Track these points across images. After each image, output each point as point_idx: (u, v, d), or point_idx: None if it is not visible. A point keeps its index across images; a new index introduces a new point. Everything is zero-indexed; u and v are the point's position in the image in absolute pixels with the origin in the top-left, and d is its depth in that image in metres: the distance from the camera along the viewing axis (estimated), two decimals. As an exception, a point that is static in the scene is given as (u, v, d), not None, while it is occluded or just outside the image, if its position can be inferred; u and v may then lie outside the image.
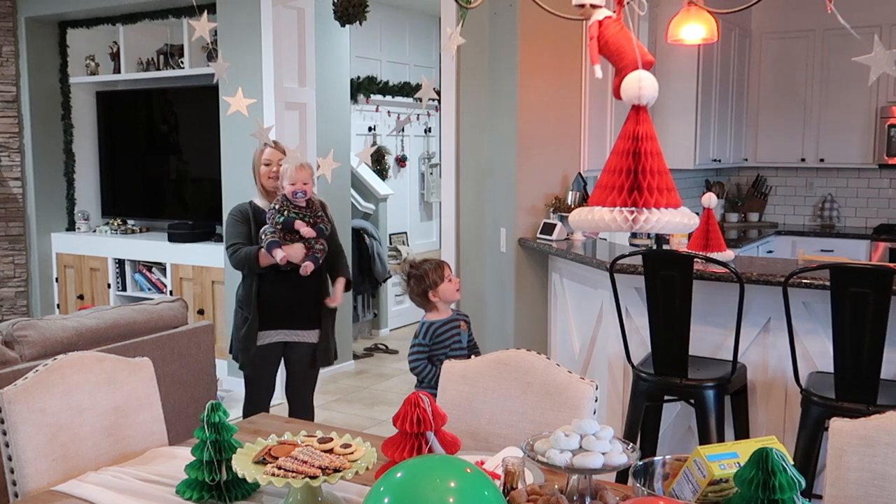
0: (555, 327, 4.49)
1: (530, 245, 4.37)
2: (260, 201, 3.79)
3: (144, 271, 6.42)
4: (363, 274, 6.99)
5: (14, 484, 2.16)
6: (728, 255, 3.48)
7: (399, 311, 7.78)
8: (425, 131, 8.64)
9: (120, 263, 6.45)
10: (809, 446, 2.89)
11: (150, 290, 6.37)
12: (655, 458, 1.78)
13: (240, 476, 1.87)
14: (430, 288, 3.39)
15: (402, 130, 8.29)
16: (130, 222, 6.76)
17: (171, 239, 6.10)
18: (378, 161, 7.89)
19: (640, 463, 1.75)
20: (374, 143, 7.92)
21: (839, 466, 1.91)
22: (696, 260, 3.16)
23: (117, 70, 6.67)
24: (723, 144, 6.35)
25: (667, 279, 3.11)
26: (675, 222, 1.63)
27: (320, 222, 3.66)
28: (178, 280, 6.02)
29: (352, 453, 1.91)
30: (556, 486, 1.77)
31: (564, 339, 4.36)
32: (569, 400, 2.30)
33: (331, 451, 1.92)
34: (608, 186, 1.64)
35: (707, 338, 3.48)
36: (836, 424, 1.95)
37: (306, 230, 3.59)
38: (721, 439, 3.13)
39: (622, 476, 2.81)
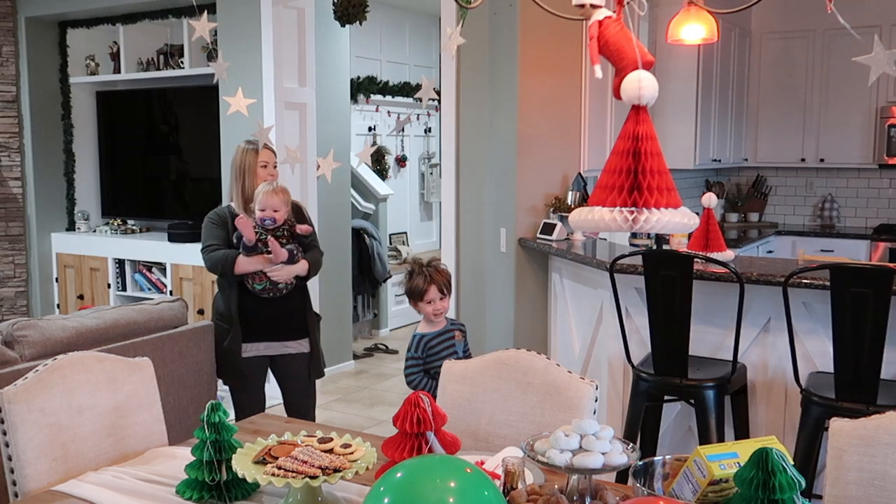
0: (555, 327, 4.49)
1: (530, 245, 4.37)
2: (238, 208, 3.60)
3: (144, 271, 6.42)
4: (363, 274, 6.99)
5: (14, 484, 2.16)
6: (728, 255, 3.48)
7: (399, 311, 7.78)
8: (425, 131, 8.65)
9: (120, 263, 6.45)
10: (809, 446, 2.89)
11: (150, 290, 6.37)
12: (655, 458, 1.78)
13: (240, 476, 1.87)
14: (409, 297, 3.32)
15: (402, 130, 8.30)
16: (130, 222, 6.76)
17: (171, 239, 6.09)
18: (378, 161, 7.89)
19: (640, 463, 1.75)
20: (374, 143, 7.92)
21: (839, 466, 1.91)
22: (696, 260, 3.16)
23: (117, 70, 6.67)
24: (723, 144, 6.35)
25: (667, 279, 3.11)
26: (675, 222, 1.63)
27: (290, 243, 3.51)
28: (178, 280, 6.02)
29: (352, 453, 1.91)
30: (556, 486, 1.77)
31: (564, 339, 4.36)
32: (569, 400, 2.30)
33: (331, 451, 1.92)
34: (608, 186, 1.64)
35: (707, 338, 3.48)
36: (836, 424, 1.95)
37: (277, 250, 3.42)
38: (721, 439, 3.13)
39: (622, 476, 2.81)
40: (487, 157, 4.64)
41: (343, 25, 5.23)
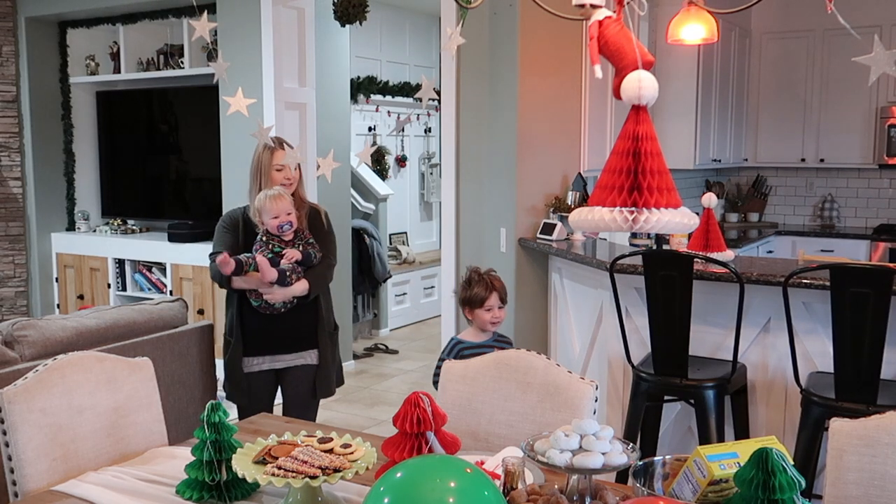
0: (555, 327, 4.49)
1: (530, 245, 4.37)
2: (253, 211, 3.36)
3: (144, 271, 6.42)
4: (363, 274, 7.00)
5: (14, 484, 2.16)
6: (728, 255, 3.48)
7: (399, 311, 7.78)
8: (425, 131, 8.65)
9: (120, 263, 6.45)
10: (809, 446, 2.89)
11: (150, 290, 6.37)
12: (655, 458, 1.78)
13: (240, 476, 1.87)
14: (467, 304, 3.26)
15: (402, 130, 8.30)
16: (130, 222, 6.76)
17: (171, 239, 6.10)
18: (378, 161, 7.89)
19: (640, 463, 1.75)
20: (374, 143, 7.92)
21: (839, 466, 1.91)
22: (696, 260, 3.16)
23: (117, 70, 6.67)
24: (723, 144, 6.35)
25: (667, 279, 3.11)
26: (675, 222, 1.63)
27: (311, 247, 3.33)
28: (178, 280, 6.02)
29: (352, 453, 1.91)
30: (556, 486, 1.77)
31: (564, 339, 4.36)
32: (569, 400, 2.30)
33: (331, 451, 1.92)
34: (608, 186, 1.64)
35: (707, 338, 3.48)
36: (836, 424, 1.95)
37: (292, 254, 3.24)
38: (721, 439, 3.13)
39: (622, 476, 2.81)
40: (487, 157, 4.64)
41: (343, 25, 5.24)
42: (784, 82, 6.60)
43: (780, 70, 6.61)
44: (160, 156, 6.67)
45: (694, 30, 3.32)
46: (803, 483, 1.49)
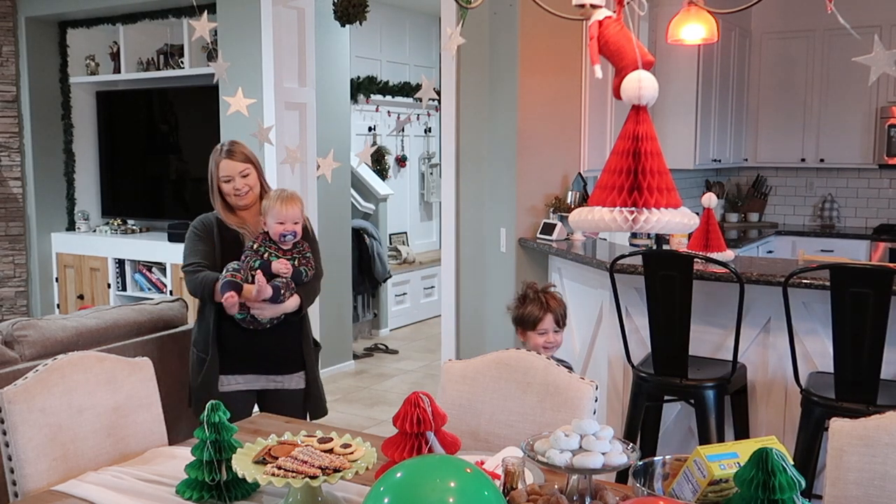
0: (555, 327, 4.48)
1: (530, 245, 4.37)
2: (226, 217, 3.14)
3: (144, 271, 6.42)
4: (363, 274, 7.00)
5: (14, 484, 2.16)
6: (728, 255, 3.48)
7: (399, 312, 7.78)
8: (425, 131, 8.65)
9: (120, 263, 6.45)
10: (809, 446, 2.89)
11: (150, 289, 6.37)
12: (655, 458, 1.78)
13: (240, 476, 1.87)
14: (519, 324, 2.93)
15: (402, 130, 8.30)
16: (130, 222, 6.76)
17: (171, 239, 6.09)
18: (378, 161, 7.89)
19: (640, 463, 1.75)
20: (374, 143, 7.92)
21: (839, 466, 1.91)
22: (696, 260, 3.16)
23: (117, 70, 6.67)
24: (723, 144, 6.35)
25: (667, 279, 3.11)
26: (675, 222, 1.63)
27: (304, 264, 3.05)
28: (178, 280, 6.01)
29: (352, 453, 1.91)
30: (556, 486, 1.77)
31: (564, 339, 4.35)
32: (569, 400, 2.30)
33: (331, 451, 1.92)
34: (608, 186, 1.64)
35: (707, 338, 3.48)
36: (836, 424, 1.95)
37: (285, 267, 2.98)
38: (721, 439, 3.13)
39: (622, 476, 2.81)
40: (487, 157, 4.64)
41: (343, 25, 5.23)
42: (784, 82, 6.60)
43: (780, 70, 6.61)
44: (160, 156, 6.67)
45: (694, 30, 3.32)
46: (803, 483, 1.49)
